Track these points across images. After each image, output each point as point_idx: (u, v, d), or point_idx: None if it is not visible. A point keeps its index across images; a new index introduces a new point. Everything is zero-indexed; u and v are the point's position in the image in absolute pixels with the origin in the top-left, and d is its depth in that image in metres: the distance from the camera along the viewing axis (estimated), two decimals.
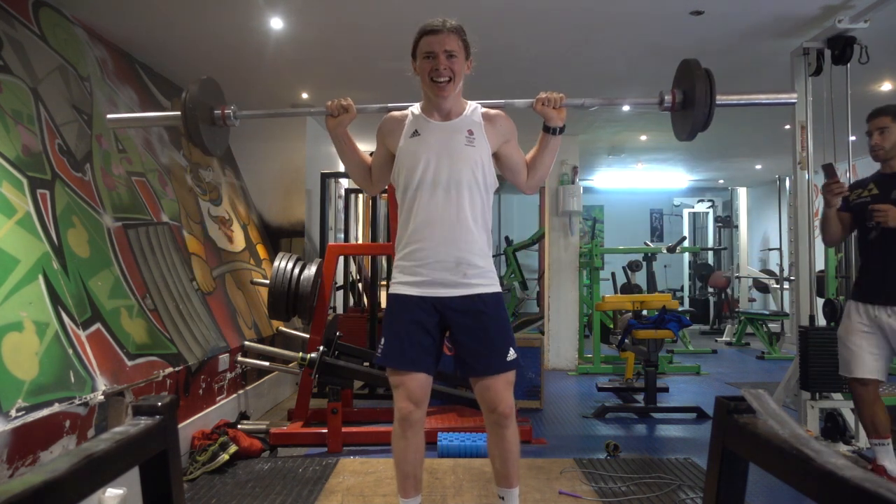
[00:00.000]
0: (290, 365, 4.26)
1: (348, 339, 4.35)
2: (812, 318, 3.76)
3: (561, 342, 6.48)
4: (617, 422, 4.36)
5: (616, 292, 7.99)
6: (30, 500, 0.66)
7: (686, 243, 9.52)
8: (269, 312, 4.16)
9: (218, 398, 3.78)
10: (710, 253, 10.85)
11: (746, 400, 0.94)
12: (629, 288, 7.57)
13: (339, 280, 5.60)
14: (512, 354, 2.14)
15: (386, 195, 5.32)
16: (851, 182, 3.20)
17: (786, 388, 4.03)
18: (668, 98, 2.17)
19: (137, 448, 0.90)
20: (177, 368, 3.24)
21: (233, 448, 3.31)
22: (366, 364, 4.28)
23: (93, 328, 2.73)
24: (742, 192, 9.89)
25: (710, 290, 9.90)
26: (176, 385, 3.23)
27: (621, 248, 7.98)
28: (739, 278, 9.31)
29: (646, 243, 8.34)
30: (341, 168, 6.71)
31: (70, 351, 2.53)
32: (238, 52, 4.10)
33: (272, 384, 4.73)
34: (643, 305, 4.95)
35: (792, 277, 6.28)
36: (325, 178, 5.69)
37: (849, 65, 3.60)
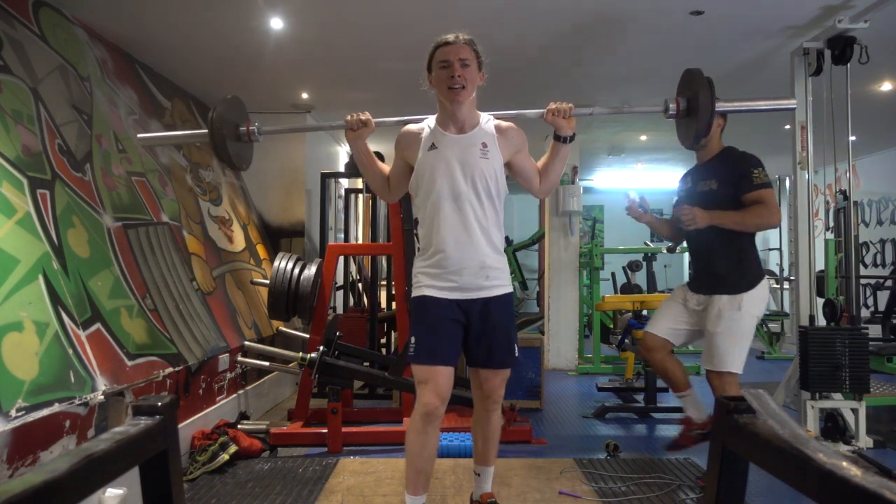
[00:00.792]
0: (290, 365, 4.26)
1: (348, 339, 4.35)
2: (812, 318, 3.76)
3: (561, 342, 6.48)
4: (617, 422, 4.36)
5: (616, 292, 7.98)
6: (30, 500, 0.66)
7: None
8: (269, 312, 4.16)
9: (218, 398, 3.78)
10: None
11: (746, 400, 0.94)
12: (629, 288, 7.56)
13: (339, 280, 5.60)
14: (515, 352, 2.33)
15: None
16: (852, 181, 3.21)
17: (786, 388, 4.03)
18: (672, 106, 2.30)
19: (137, 448, 0.90)
20: (177, 368, 3.24)
21: (233, 448, 3.31)
22: (366, 364, 4.29)
23: (93, 328, 2.73)
24: None
25: None
26: (176, 385, 3.23)
27: (621, 248, 7.97)
28: None
29: (646, 243, 8.33)
30: (341, 168, 6.72)
31: (70, 351, 2.53)
32: (238, 52, 4.10)
33: (272, 384, 4.73)
34: (643, 305, 4.95)
35: (792, 277, 6.29)
36: (325, 178, 5.69)
37: (849, 65, 3.60)
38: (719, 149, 2.99)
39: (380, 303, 5.26)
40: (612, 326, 6.26)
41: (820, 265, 4.13)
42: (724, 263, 2.84)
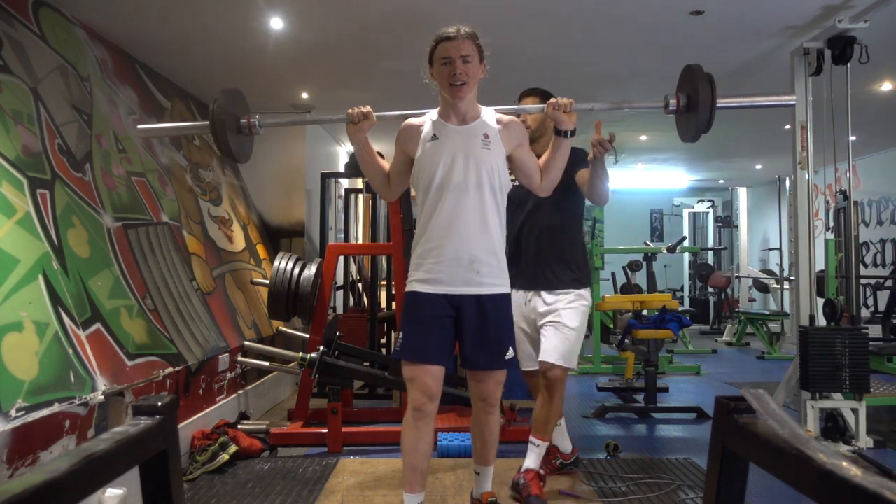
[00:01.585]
0: (290, 365, 4.26)
1: (348, 339, 4.34)
2: (812, 318, 3.76)
3: None
4: (617, 422, 4.36)
5: (616, 292, 7.98)
6: (30, 500, 0.66)
7: (686, 243, 9.51)
8: (269, 312, 4.16)
9: (218, 398, 3.78)
10: (710, 253, 10.85)
11: (746, 400, 0.94)
12: (629, 288, 7.57)
13: (339, 280, 5.60)
14: (510, 354, 2.28)
15: None
16: (852, 181, 3.20)
17: (786, 388, 4.03)
18: (672, 102, 2.28)
19: (137, 448, 0.90)
20: (177, 368, 3.24)
21: (233, 448, 3.31)
22: (366, 364, 4.28)
23: (93, 328, 2.73)
24: (742, 192, 9.89)
25: (710, 290, 9.90)
26: (176, 385, 3.23)
27: (621, 248, 7.97)
28: (739, 278, 9.31)
29: (646, 243, 8.33)
30: (341, 168, 6.72)
31: (70, 351, 2.53)
32: (238, 52, 4.10)
33: (272, 384, 4.73)
34: (643, 305, 4.95)
35: (792, 277, 6.29)
36: (325, 178, 5.69)
37: (849, 65, 3.60)
38: None
39: (380, 303, 5.26)
40: (612, 326, 6.26)
41: (820, 265, 4.13)
42: None
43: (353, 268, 5.80)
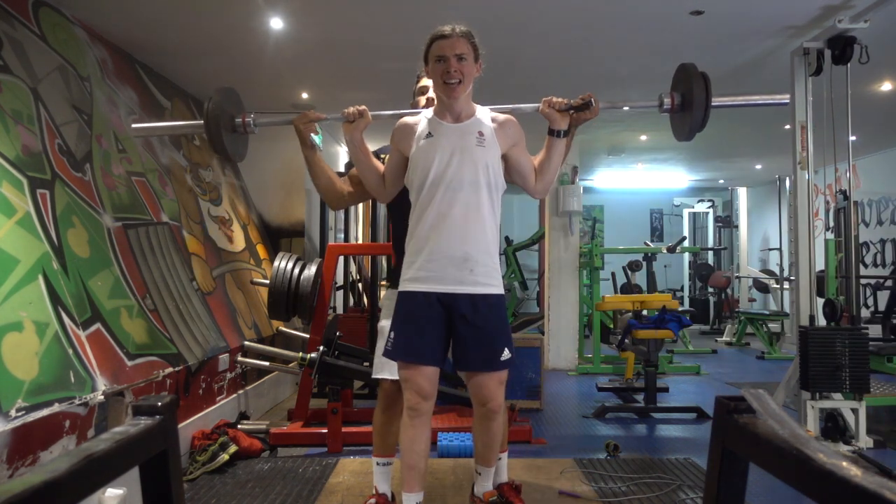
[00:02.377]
0: (290, 365, 4.26)
1: (348, 339, 4.35)
2: (812, 318, 3.76)
3: (561, 342, 6.48)
4: (617, 422, 4.36)
5: (616, 292, 7.98)
6: (30, 500, 0.66)
7: (686, 243, 9.52)
8: (269, 312, 4.16)
9: (218, 398, 3.78)
10: (710, 253, 10.85)
11: (746, 400, 0.94)
12: (629, 288, 7.57)
13: (339, 280, 5.60)
14: (507, 354, 2.21)
15: None
16: (852, 181, 3.19)
17: (786, 388, 4.03)
18: (667, 101, 2.27)
19: (137, 448, 0.90)
20: (177, 368, 3.24)
21: (233, 448, 3.31)
22: (366, 364, 4.28)
23: (93, 328, 2.73)
24: (742, 192, 9.89)
25: (710, 290, 9.90)
26: (176, 385, 3.23)
27: (621, 248, 7.98)
28: (739, 278, 9.31)
29: (646, 243, 8.34)
30: (341, 168, 6.71)
31: (70, 351, 2.53)
32: (238, 52, 4.10)
33: (272, 384, 4.73)
34: (643, 305, 4.95)
35: (792, 277, 6.29)
36: None
37: (849, 65, 3.60)
38: None
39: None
40: (612, 326, 6.26)
41: (820, 265, 4.13)
42: None
43: (353, 268, 5.80)
